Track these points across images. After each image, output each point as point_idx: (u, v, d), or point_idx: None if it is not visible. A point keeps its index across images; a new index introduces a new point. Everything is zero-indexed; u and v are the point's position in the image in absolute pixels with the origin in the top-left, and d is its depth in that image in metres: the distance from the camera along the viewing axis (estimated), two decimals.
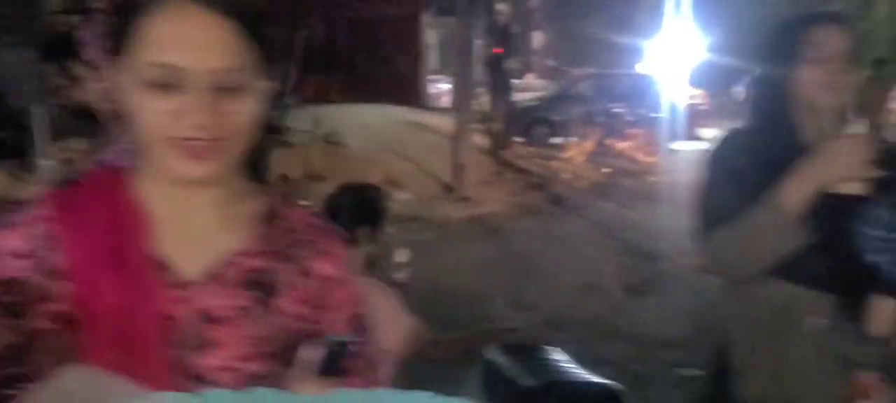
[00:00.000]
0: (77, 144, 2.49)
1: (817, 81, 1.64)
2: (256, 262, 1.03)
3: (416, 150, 11.67)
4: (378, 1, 16.17)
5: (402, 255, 2.57)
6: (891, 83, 10.16)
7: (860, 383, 1.56)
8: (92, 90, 1.99)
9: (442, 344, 2.42)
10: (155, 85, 0.93)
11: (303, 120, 10.82)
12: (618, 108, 14.67)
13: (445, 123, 12.04)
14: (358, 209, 2.35)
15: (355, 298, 1.10)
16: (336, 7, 15.45)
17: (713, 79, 16.27)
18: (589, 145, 13.27)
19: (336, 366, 0.95)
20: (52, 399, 0.93)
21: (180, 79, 0.93)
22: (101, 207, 1.00)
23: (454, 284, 6.60)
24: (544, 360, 2.19)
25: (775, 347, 1.67)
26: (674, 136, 13.74)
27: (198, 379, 0.97)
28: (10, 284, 0.95)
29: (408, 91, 16.45)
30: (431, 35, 19.11)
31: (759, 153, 1.65)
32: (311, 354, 0.95)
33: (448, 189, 10.61)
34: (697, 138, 14.22)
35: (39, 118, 5.22)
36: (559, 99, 16.05)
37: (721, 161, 1.73)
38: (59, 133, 4.32)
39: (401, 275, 2.53)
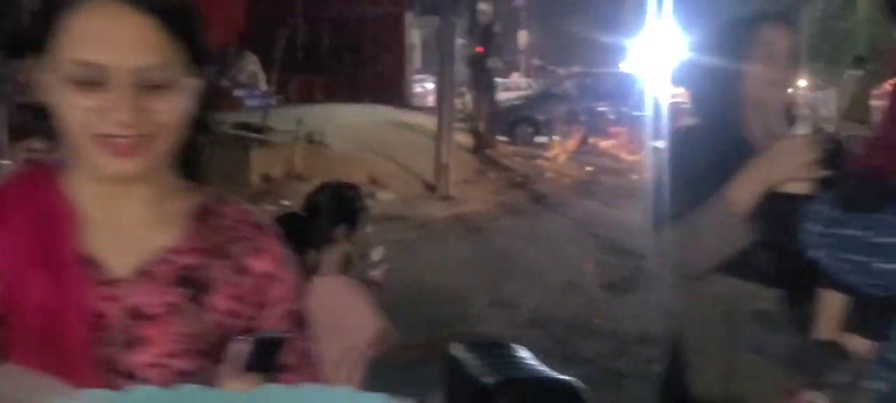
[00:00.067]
0: (38, 144, 2.48)
1: (764, 79, 1.67)
2: (188, 259, 1.03)
3: (399, 150, 11.67)
4: (362, 0, 16.17)
5: (377, 254, 2.58)
6: (871, 81, 10.25)
7: (798, 399, 1.58)
8: None
9: (412, 348, 2.43)
10: (78, 82, 0.93)
11: (285, 119, 10.81)
12: (601, 107, 14.73)
13: (430, 123, 12.05)
14: (336, 208, 2.38)
15: (293, 294, 1.10)
16: (320, 7, 15.44)
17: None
18: (572, 144, 13.32)
19: (267, 362, 0.95)
20: None
21: (103, 77, 0.93)
22: (30, 205, 1.00)
23: (435, 283, 6.61)
24: (507, 357, 2.20)
25: (724, 343, 1.69)
26: (657, 135, 13.77)
27: (127, 377, 0.97)
28: None
29: (392, 90, 16.45)
30: (415, 34, 19.12)
31: (708, 150, 1.67)
32: (240, 350, 0.95)
33: (431, 188, 10.62)
34: None
35: None
36: (543, 97, 16.10)
37: (672, 158, 1.75)
38: (19, 133, 4.29)
39: (376, 274, 2.54)
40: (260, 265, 1.07)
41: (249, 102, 13.98)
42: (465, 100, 13.44)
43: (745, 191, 1.60)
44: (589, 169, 12.25)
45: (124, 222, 1.02)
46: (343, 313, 2.29)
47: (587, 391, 2.02)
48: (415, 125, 13.25)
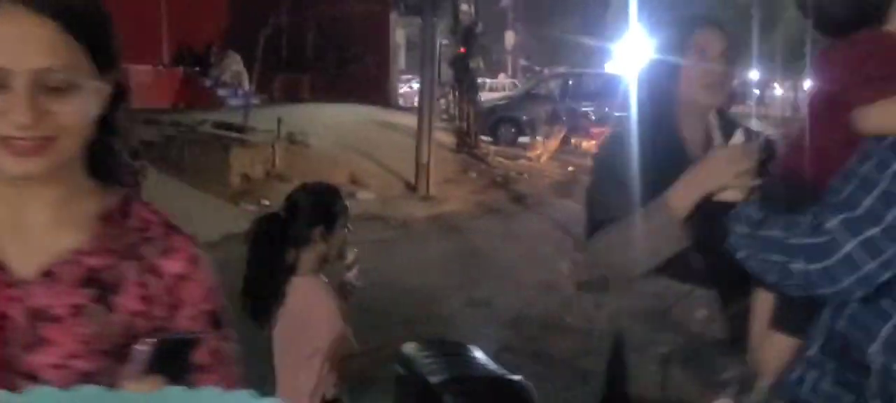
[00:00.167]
0: None
1: (699, 81, 1.69)
2: (95, 260, 1.03)
3: (382, 150, 11.68)
4: None
5: (349, 255, 2.59)
6: None
7: None
8: None
9: (365, 355, 2.44)
10: None
11: (267, 119, 10.80)
12: (585, 107, 14.77)
13: (414, 123, 12.07)
14: (313, 209, 2.39)
15: (206, 294, 1.11)
16: (304, 6, 15.40)
17: None
18: (554, 143, 13.36)
19: (177, 363, 0.96)
20: None
21: (2, 79, 0.93)
22: None
23: (411, 283, 6.62)
24: (458, 356, 2.21)
25: (659, 344, 1.71)
26: None
27: (29, 377, 0.98)
28: None
29: (377, 90, 16.45)
30: (400, 34, 19.10)
31: (642, 152, 1.69)
32: (143, 351, 0.96)
33: (411, 188, 10.63)
34: None
35: None
36: (526, 98, 16.12)
37: (606, 160, 1.77)
38: None
39: (349, 275, 2.56)
40: (171, 266, 1.08)
41: (232, 102, 13.96)
42: (448, 100, 13.47)
43: (683, 197, 1.64)
44: (570, 169, 12.29)
45: (30, 223, 1.02)
46: (314, 313, 2.32)
47: (532, 390, 2.04)
48: (398, 125, 13.26)
